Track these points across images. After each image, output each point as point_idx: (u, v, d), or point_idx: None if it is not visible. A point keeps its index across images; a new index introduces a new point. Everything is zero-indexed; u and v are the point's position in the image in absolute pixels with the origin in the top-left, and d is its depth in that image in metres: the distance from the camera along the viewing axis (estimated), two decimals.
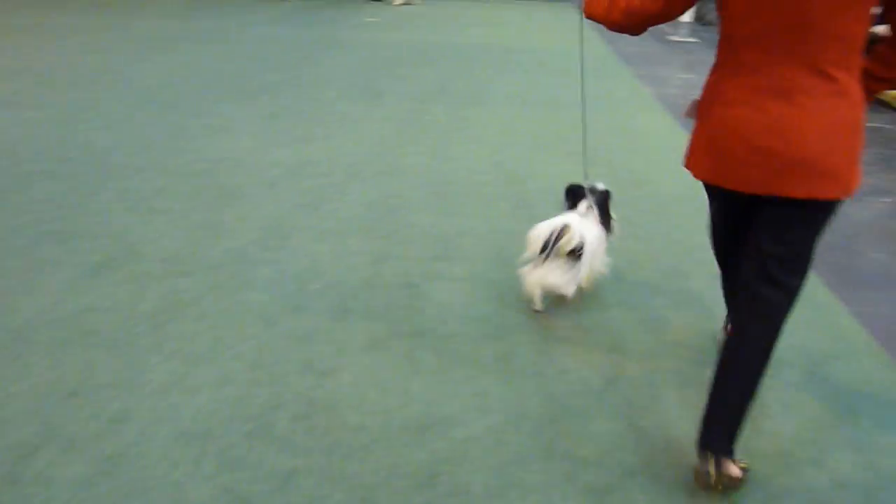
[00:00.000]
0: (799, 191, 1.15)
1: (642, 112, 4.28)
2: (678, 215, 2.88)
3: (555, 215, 2.00)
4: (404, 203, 3.01)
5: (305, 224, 2.77)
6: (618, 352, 1.90)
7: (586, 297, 2.17)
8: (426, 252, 2.56)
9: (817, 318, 2.18)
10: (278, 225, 2.74)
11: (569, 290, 1.96)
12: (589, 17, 1.38)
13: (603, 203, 2.06)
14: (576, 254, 1.93)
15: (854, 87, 1.11)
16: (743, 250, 1.26)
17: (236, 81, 4.91)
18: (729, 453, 1.26)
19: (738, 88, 1.16)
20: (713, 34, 6.25)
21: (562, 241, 1.91)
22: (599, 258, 2.06)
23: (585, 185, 2.08)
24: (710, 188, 1.39)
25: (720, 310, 1.98)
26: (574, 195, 2.09)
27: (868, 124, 4.06)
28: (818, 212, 1.19)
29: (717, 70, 1.24)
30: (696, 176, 1.33)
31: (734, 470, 1.27)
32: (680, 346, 1.94)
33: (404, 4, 9.07)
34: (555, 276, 1.95)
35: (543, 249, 1.93)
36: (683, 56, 6.54)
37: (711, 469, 1.29)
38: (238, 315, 2.08)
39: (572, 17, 8.92)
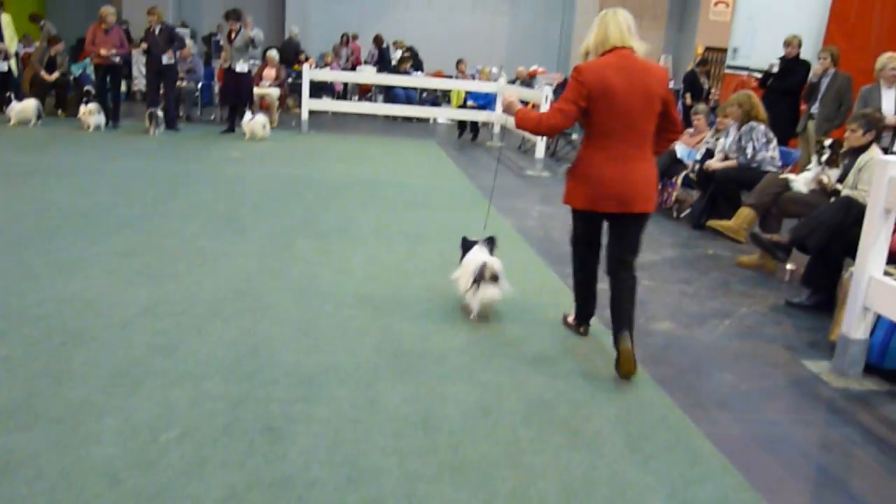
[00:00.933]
0: (637, 208, 2.85)
1: (505, 244, 4.66)
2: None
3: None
4: (267, 341, 3.02)
5: (159, 368, 2.68)
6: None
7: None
8: (289, 393, 2.56)
9: (675, 442, 2.40)
10: (129, 370, 2.63)
11: (494, 304, 3.41)
12: (520, 128, 2.96)
13: (492, 246, 3.61)
14: (497, 276, 3.38)
15: (651, 155, 2.87)
16: (602, 252, 2.90)
17: (91, 217, 4.77)
18: (630, 330, 2.83)
19: (601, 158, 2.84)
20: (562, 168, 7.49)
21: (487, 270, 3.35)
22: (505, 282, 3.45)
23: (481, 238, 3.61)
24: (584, 214, 3.01)
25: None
26: (466, 244, 3.67)
27: (707, 252, 4.75)
28: (644, 220, 2.89)
29: (586, 149, 2.91)
30: (577, 207, 2.96)
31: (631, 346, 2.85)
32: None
33: (261, 140, 9.38)
34: (492, 293, 3.37)
35: (477, 278, 3.35)
36: (539, 189, 7.31)
37: (628, 343, 2.84)
38: (79, 474, 1.94)
39: (435, 153, 9.72)
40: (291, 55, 14.94)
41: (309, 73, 10.76)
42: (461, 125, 12.13)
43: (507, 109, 3.22)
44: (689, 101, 10.10)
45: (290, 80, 13.59)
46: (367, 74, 14.11)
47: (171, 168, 6.96)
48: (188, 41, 11.51)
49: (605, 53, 2.97)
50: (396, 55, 16.03)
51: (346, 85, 14.86)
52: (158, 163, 7.29)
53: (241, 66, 9.72)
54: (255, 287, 3.66)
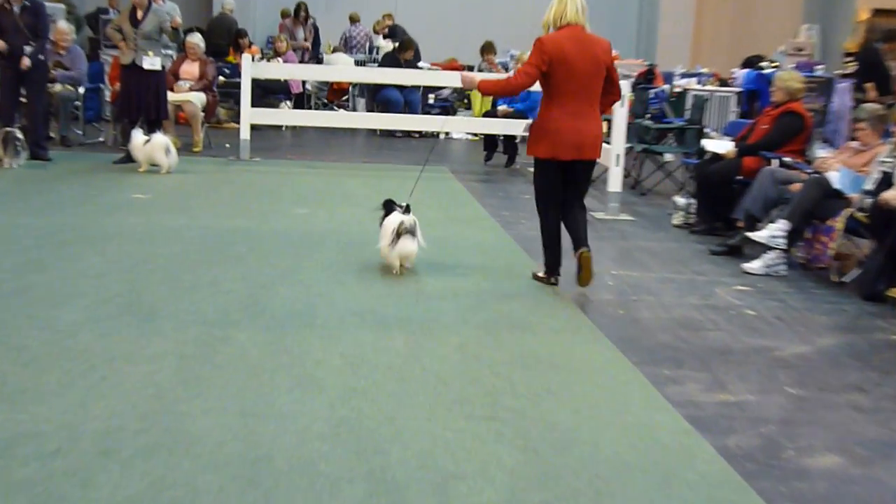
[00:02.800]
0: (587, 155, 5.76)
1: (566, 324, 4.72)
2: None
3: None
4: (189, 498, 2.98)
5: None
6: None
7: None
8: None
9: None
10: None
11: (413, 257, 5.91)
12: (485, 94, 6.73)
13: (408, 209, 6.00)
14: (413, 231, 5.86)
15: (598, 113, 5.83)
16: (563, 195, 5.86)
17: None
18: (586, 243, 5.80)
19: (559, 114, 5.67)
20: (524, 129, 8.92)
21: (404, 224, 5.82)
22: (420, 237, 5.91)
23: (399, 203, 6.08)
24: (546, 164, 5.75)
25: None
26: (388, 205, 6.14)
27: (891, 337, 4.74)
28: (592, 166, 5.90)
29: (546, 107, 5.73)
30: (541, 156, 5.75)
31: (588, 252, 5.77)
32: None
33: (166, 172, 9.56)
34: (408, 246, 5.83)
35: (396, 234, 5.79)
36: (614, 241, 7.40)
37: (587, 250, 5.74)
38: None
39: (449, 187, 9.87)
40: (223, 41, 15.48)
41: (252, 69, 11.05)
42: (489, 142, 12.33)
43: (468, 85, 5.98)
44: (872, 93, 9.74)
45: (221, 79, 14.03)
46: (344, 69, 14.56)
47: (37, 221, 7.08)
48: (62, 23, 11.92)
49: (561, 28, 5.67)
50: (382, 43, 16.57)
51: (305, 85, 15.31)
52: (17, 212, 7.41)
53: (151, 62, 10.05)
54: (170, 409, 3.66)
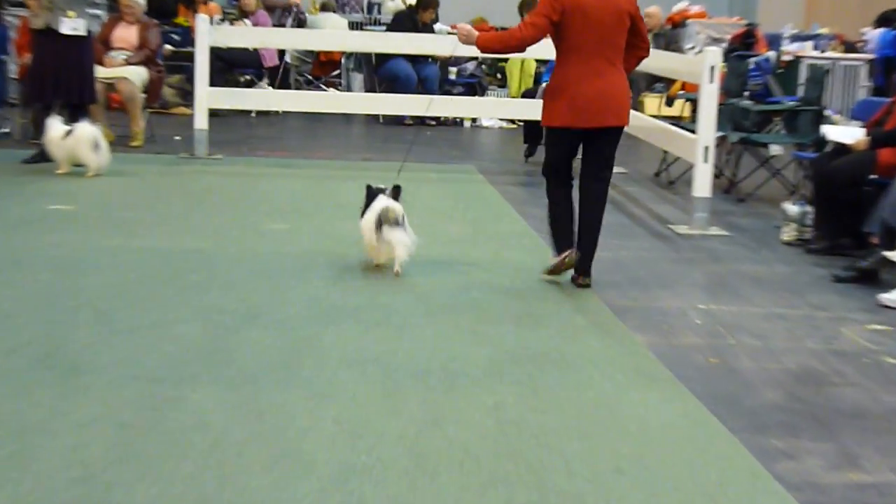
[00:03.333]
0: (612, 122, 6.48)
1: (646, 381, 4.76)
2: None
3: None
4: None
5: None
6: None
7: None
8: None
9: None
10: None
11: (405, 249, 6.66)
12: (485, 51, 6.90)
13: (397, 194, 6.77)
14: (400, 220, 6.61)
15: (623, 70, 6.58)
16: (582, 170, 6.65)
17: None
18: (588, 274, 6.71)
19: (576, 74, 6.38)
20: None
21: (389, 213, 6.56)
22: (409, 230, 6.71)
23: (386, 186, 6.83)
24: (562, 135, 6.56)
25: None
26: (371, 192, 6.86)
27: None
28: (618, 134, 6.63)
29: (560, 66, 6.48)
30: (556, 124, 6.51)
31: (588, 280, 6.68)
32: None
33: (95, 175, 9.65)
34: (396, 236, 6.58)
35: (378, 225, 6.57)
36: (703, 264, 7.41)
37: (570, 255, 6.63)
38: None
39: (477, 192, 9.98)
40: None
41: (210, 34, 11.18)
42: (531, 131, 12.36)
43: (464, 39, 6.54)
44: None
45: (168, 48, 14.13)
46: (335, 34, 14.57)
47: None
48: None
49: None
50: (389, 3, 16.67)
51: (283, 57, 15.38)
52: None
53: (72, 26, 10.14)
54: (104, 500, 3.66)
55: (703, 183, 8.77)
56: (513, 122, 14.42)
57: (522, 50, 6.54)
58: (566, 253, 6.61)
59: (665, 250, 8.03)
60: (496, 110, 13.62)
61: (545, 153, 6.88)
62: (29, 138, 11.25)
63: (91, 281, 6.32)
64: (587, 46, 6.29)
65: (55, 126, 9.73)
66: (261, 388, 4.71)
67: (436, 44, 12.99)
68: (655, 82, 14.51)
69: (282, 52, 15.19)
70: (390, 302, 6.18)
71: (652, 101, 14.31)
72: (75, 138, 9.66)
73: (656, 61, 10.75)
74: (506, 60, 15.74)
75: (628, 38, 6.40)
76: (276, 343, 5.34)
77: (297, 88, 15.53)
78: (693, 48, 15.11)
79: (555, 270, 6.74)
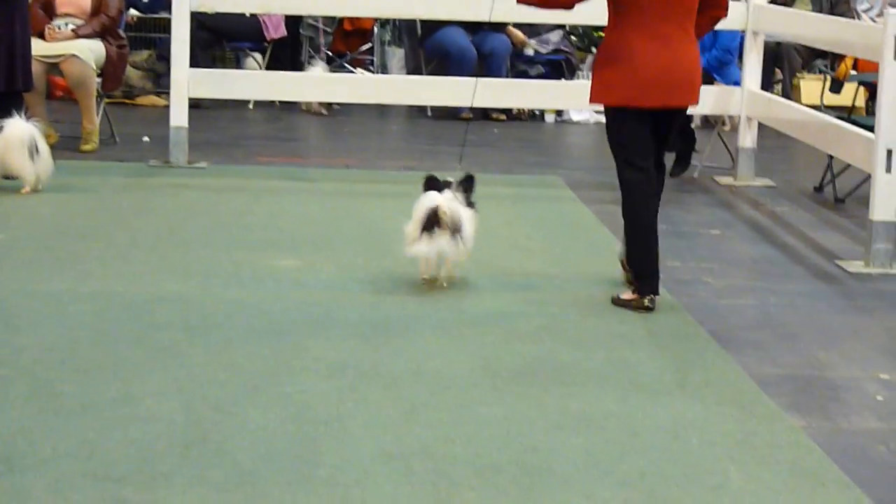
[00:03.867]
0: (684, 101, 7.27)
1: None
2: None
3: None
4: None
5: None
6: None
7: None
8: None
9: None
10: None
11: (457, 256, 7.30)
12: (530, 3, 7.43)
13: (468, 187, 7.45)
14: (456, 224, 7.15)
15: (693, 35, 7.19)
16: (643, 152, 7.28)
17: None
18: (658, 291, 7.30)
19: (638, 39, 6.92)
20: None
21: (441, 211, 7.10)
22: (469, 234, 7.30)
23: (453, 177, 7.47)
24: (625, 113, 7.10)
25: None
26: (431, 184, 7.43)
27: None
28: (684, 114, 7.65)
29: (616, 29, 7.08)
30: (613, 103, 7.14)
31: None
32: None
33: (34, 189, 9.69)
34: (442, 247, 7.17)
35: (427, 226, 7.11)
36: (890, 315, 7.31)
37: (649, 303, 7.17)
38: None
39: (554, 209, 10.12)
40: None
41: None
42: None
43: None
44: None
45: (133, 14, 14.19)
46: None
47: None
48: None
49: None
50: None
51: (297, 26, 15.42)
52: None
53: None
54: None
55: (884, 201, 8.70)
56: None
57: (570, 7, 7.27)
58: (645, 299, 7.18)
59: (831, 296, 8.01)
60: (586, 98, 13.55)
61: (614, 148, 7.35)
62: None
63: (27, 340, 6.35)
64: (652, 5, 6.87)
65: None
66: (262, 491, 4.70)
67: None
68: (816, 59, 14.44)
69: (295, 21, 15.29)
70: (444, 368, 6.19)
71: (811, 86, 14.23)
72: (4, 141, 9.66)
73: (817, 29, 10.71)
74: (603, 29, 15.68)
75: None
76: (285, 428, 5.32)
77: (310, 68, 15.57)
78: (870, 10, 15.04)
79: (622, 305, 7.29)
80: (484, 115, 14.43)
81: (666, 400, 5.92)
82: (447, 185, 7.36)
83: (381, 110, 15.19)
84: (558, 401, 5.80)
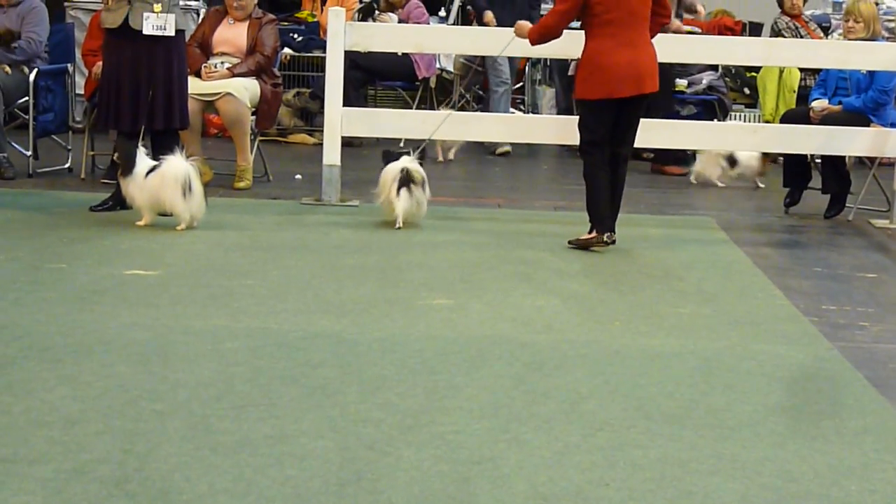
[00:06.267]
0: (648, 88, 9.73)
1: None
2: None
3: None
4: None
5: None
6: None
7: None
8: None
9: None
10: None
11: (424, 209, 10.53)
12: (533, 43, 10.04)
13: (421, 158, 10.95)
14: (422, 182, 10.40)
15: (649, 38, 9.87)
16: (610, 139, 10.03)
17: None
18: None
19: (610, 46, 9.58)
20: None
21: (413, 173, 10.30)
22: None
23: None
24: (601, 105, 9.75)
25: None
26: (388, 156, 10.86)
27: None
28: (648, 101, 10.01)
29: (593, 40, 9.70)
30: (596, 96, 9.71)
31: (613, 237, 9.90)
32: None
33: (190, 226, 9.84)
34: (420, 195, 10.37)
35: (403, 183, 10.20)
36: None
37: (608, 239, 9.78)
38: None
39: (707, 251, 9.98)
40: None
41: (347, 34, 11.28)
42: (794, 169, 12.26)
43: (518, 33, 10.08)
44: None
45: (287, 52, 14.36)
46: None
47: None
48: None
49: None
50: None
51: (442, 64, 15.43)
52: None
53: (158, 23, 10.39)
54: None
55: None
56: (768, 157, 14.20)
57: (556, 35, 9.63)
58: (603, 236, 9.58)
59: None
60: (742, 140, 13.44)
61: (582, 131, 9.79)
62: (98, 177, 11.58)
63: (183, 376, 6.43)
64: (618, 19, 9.35)
65: (138, 161, 9.91)
66: None
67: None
68: None
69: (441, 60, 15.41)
70: (597, 410, 6.16)
71: None
72: (160, 178, 9.80)
73: None
74: (756, 70, 15.63)
75: (652, 6, 9.53)
76: (438, 467, 5.33)
77: (461, 108, 15.66)
78: None
79: (582, 246, 9.72)
80: (635, 155, 14.38)
81: (823, 446, 5.82)
82: (400, 155, 10.10)
83: (531, 149, 15.21)
84: (713, 444, 5.74)
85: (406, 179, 9.69)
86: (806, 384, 6.73)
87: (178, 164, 9.82)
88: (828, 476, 5.38)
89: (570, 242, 9.81)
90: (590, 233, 9.65)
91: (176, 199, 9.81)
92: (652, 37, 9.65)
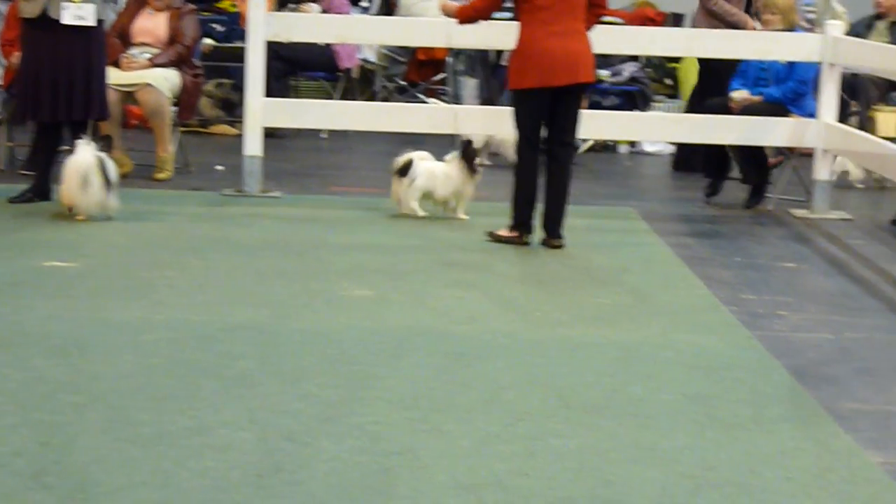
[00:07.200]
0: (583, 78, 9.62)
1: None
2: None
3: None
4: None
5: None
6: None
7: None
8: None
9: None
10: None
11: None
12: (465, 23, 10.02)
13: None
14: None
15: (584, 29, 9.70)
16: (549, 134, 9.78)
17: None
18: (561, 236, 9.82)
19: (543, 34, 9.43)
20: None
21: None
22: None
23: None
24: (535, 94, 9.57)
25: None
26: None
27: None
28: (585, 91, 10.28)
29: (526, 28, 9.55)
30: (529, 86, 9.51)
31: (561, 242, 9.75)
32: None
33: (104, 216, 9.73)
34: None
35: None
36: None
37: (527, 240, 9.77)
38: None
39: (629, 242, 10.04)
40: None
41: (267, 25, 11.27)
42: (714, 160, 12.35)
43: (445, 12, 10.03)
44: None
45: (208, 43, 14.27)
46: (438, 24, 14.42)
47: None
48: None
49: None
50: None
51: (364, 54, 15.41)
52: None
53: (77, 14, 10.28)
54: None
55: None
56: (685, 148, 14.19)
57: (486, 17, 9.77)
58: (521, 236, 9.55)
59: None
60: (664, 130, 13.50)
61: (516, 122, 9.61)
62: (17, 169, 11.49)
63: (102, 368, 6.40)
64: (552, 7, 9.22)
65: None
66: None
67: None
68: (892, 91, 14.34)
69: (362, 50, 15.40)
70: (518, 400, 6.18)
71: (887, 118, 14.11)
72: (77, 167, 9.74)
73: (894, 61, 10.65)
74: (677, 61, 15.72)
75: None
76: (358, 458, 5.32)
77: (384, 99, 15.65)
78: None
79: (499, 241, 9.61)
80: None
81: (741, 434, 5.87)
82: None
83: (454, 139, 15.24)
84: (632, 434, 5.77)
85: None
86: (725, 373, 6.76)
87: (80, 156, 9.76)
88: (745, 464, 5.42)
89: (487, 234, 9.68)
90: (510, 230, 9.53)
91: (73, 190, 9.75)
92: (588, 29, 9.53)
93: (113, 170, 9.91)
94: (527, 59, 9.31)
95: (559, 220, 9.49)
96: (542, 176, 9.64)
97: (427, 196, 10.52)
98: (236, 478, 5.07)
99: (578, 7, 9.32)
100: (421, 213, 10.46)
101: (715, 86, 12.67)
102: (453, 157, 10.57)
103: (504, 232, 9.56)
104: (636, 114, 13.87)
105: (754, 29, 12.97)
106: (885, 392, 6.60)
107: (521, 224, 9.47)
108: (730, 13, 13.12)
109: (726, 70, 12.40)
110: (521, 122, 9.52)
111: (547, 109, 9.42)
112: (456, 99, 15.89)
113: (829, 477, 5.34)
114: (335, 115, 12.99)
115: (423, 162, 10.48)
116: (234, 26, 14.64)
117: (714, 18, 13.10)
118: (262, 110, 11.21)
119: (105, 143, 10.07)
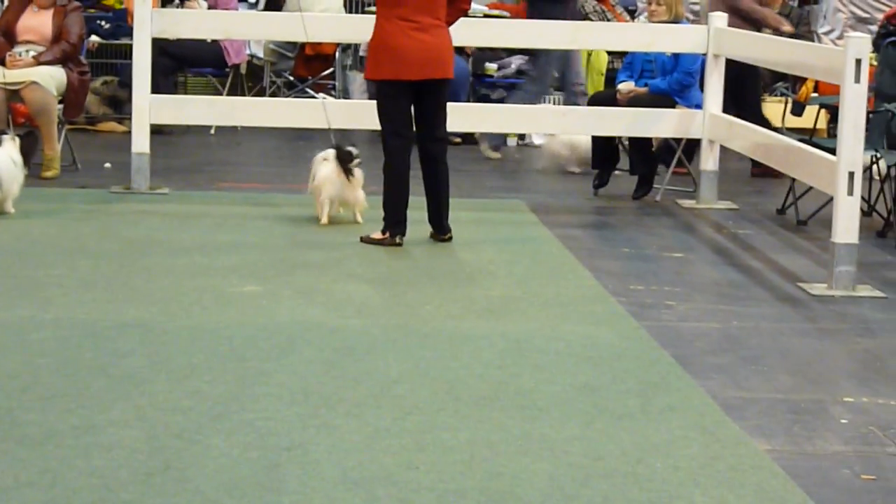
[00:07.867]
0: (439, 74, 9.59)
1: None
2: None
3: None
4: None
5: None
6: None
7: None
8: None
9: None
10: None
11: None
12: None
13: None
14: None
15: (444, 23, 9.66)
16: (417, 133, 9.91)
17: None
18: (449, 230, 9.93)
19: (398, 29, 9.43)
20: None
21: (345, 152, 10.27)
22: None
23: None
24: (393, 86, 9.57)
25: None
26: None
27: None
28: (446, 87, 9.96)
29: (382, 23, 9.52)
30: (384, 77, 9.58)
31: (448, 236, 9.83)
32: None
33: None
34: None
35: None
36: None
37: (399, 241, 9.48)
38: None
39: (518, 234, 10.02)
40: None
41: (153, 21, 11.17)
42: (602, 153, 12.37)
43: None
44: None
45: (95, 40, 14.17)
46: (328, 18, 14.31)
47: None
48: None
49: None
50: None
51: (252, 50, 15.38)
52: None
53: None
54: None
55: (846, 224, 8.73)
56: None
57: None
58: (395, 238, 9.37)
59: (794, 319, 8.03)
60: (552, 123, 13.52)
61: (381, 119, 9.57)
62: None
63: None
64: (411, 2, 9.22)
65: None
66: None
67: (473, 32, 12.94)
68: (777, 81, 14.51)
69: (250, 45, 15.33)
70: (407, 394, 6.19)
71: (772, 109, 14.26)
72: None
73: (778, 52, 10.78)
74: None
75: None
76: (248, 455, 5.31)
77: (272, 94, 15.58)
78: (831, 32, 15.11)
79: (371, 243, 9.44)
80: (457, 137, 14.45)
81: (630, 424, 5.91)
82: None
83: (343, 134, 15.21)
84: (522, 426, 5.79)
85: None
86: (613, 364, 6.80)
87: None
88: (634, 454, 5.45)
89: (361, 239, 9.49)
90: (382, 232, 9.38)
91: None
92: (450, 24, 9.51)
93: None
94: (381, 52, 9.37)
95: (444, 214, 9.55)
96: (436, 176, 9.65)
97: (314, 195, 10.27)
98: (125, 476, 5.04)
99: (438, 3, 9.31)
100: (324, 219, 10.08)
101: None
102: (331, 158, 10.16)
103: (377, 235, 9.41)
104: (523, 107, 13.87)
105: (780, 25, 13.16)
106: (772, 381, 6.66)
107: (395, 224, 9.34)
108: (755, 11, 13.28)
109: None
110: (386, 115, 9.50)
111: (409, 103, 9.47)
112: (344, 94, 15.87)
113: (716, 465, 5.38)
114: (223, 111, 12.92)
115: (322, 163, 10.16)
116: (121, 23, 14.50)
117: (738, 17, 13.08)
118: (149, 107, 11.11)
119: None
